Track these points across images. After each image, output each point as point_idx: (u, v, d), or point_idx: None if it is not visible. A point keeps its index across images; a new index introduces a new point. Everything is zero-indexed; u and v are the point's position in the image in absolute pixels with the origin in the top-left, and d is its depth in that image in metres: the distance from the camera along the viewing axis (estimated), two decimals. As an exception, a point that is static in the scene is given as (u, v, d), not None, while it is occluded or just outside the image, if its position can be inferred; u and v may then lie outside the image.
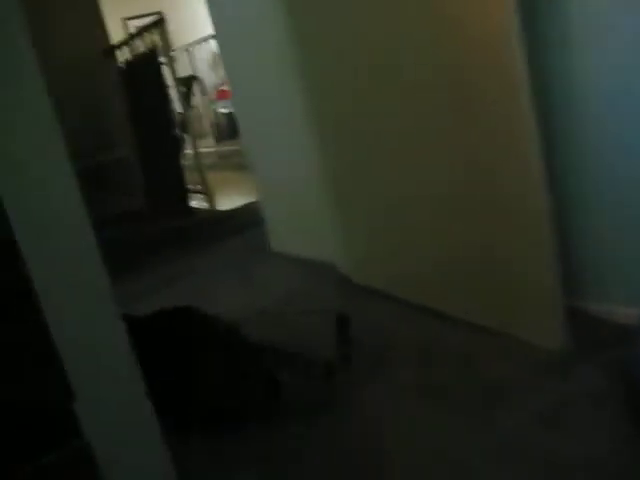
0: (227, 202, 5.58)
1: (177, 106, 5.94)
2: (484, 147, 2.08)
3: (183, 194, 5.54)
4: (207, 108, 9.06)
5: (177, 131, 5.73)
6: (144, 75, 5.49)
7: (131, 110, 6.02)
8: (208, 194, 5.64)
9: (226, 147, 8.14)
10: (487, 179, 2.12)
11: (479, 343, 2.24)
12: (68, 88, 6.02)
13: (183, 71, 7.86)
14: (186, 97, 5.76)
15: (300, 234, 3.55)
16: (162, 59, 5.36)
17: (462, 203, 2.25)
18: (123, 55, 6.04)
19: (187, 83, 6.00)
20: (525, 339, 2.14)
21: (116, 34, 6.56)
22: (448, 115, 2.16)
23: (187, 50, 7.99)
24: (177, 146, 5.66)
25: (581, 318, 2.16)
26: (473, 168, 2.15)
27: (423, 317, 2.52)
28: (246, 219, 4.48)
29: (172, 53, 5.57)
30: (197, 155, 5.78)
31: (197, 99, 8.88)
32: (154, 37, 5.32)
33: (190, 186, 5.78)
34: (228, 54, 3.85)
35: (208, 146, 8.61)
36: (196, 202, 5.75)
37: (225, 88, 7.49)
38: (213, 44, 6.71)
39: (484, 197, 2.15)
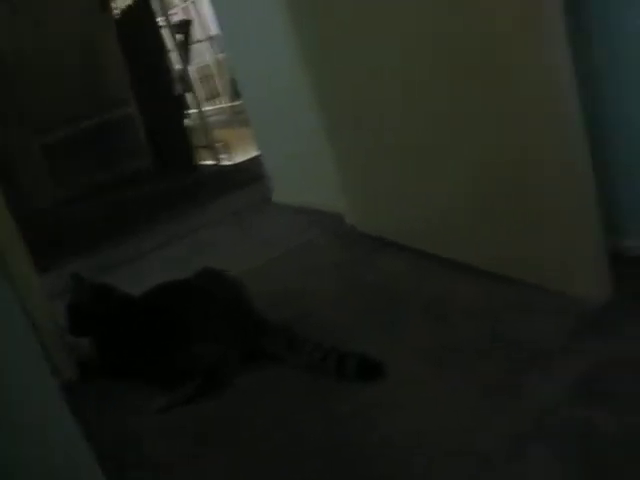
0: (239, 157, 5.40)
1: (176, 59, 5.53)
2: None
3: (188, 152, 5.27)
4: (221, 65, 8.68)
5: (178, 88, 5.39)
6: (137, 26, 5.15)
7: (129, 65, 5.71)
8: (213, 150, 5.37)
9: (239, 103, 7.83)
10: (507, 93, 1.70)
11: (503, 297, 1.84)
12: (67, 45, 5.75)
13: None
14: (183, 47, 5.35)
15: (303, 184, 3.30)
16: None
17: (478, 125, 1.83)
18: (118, 6, 5.71)
19: (182, 29, 5.57)
20: (559, 290, 1.74)
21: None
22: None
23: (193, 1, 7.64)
24: (178, 103, 5.34)
25: (620, 261, 1.76)
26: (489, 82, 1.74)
27: (437, 268, 2.14)
28: (250, 173, 4.33)
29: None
30: (202, 113, 5.48)
31: (208, 57, 8.54)
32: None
33: (197, 143, 5.53)
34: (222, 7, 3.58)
35: (221, 103, 8.40)
36: (204, 158, 5.55)
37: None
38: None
39: (503, 114, 1.73)
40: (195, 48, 8.36)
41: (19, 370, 1.22)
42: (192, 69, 7.82)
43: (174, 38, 5.21)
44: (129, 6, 5.35)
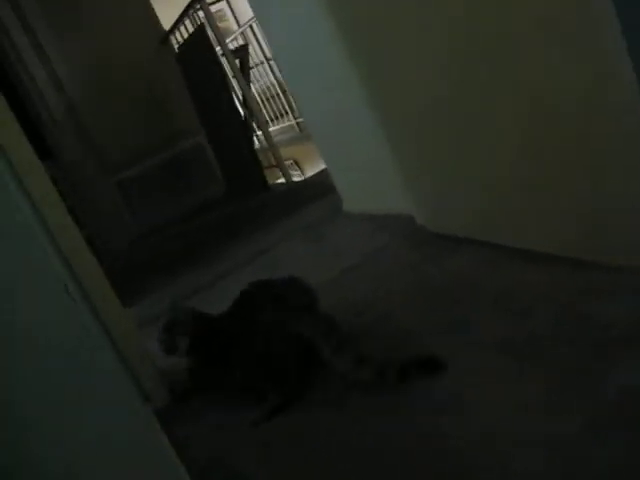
0: (309, 172, 5.48)
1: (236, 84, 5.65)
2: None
3: (258, 173, 5.37)
4: (283, 84, 8.81)
5: (242, 111, 5.50)
6: (197, 56, 5.30)
7: (193, 96, 5.88)
8: (282, 169, 5.45)
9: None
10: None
11: (577, 281, 1.78)
12: (132, 84, 5.98)
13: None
14: (242, 71, 5.46)
15: (371, 191, 3.28)
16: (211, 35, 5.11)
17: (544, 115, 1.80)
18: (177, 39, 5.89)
19: (240, 54, 5.69)
20: (636, 268, 1.66)
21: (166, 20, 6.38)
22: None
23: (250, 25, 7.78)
24: (244, 126, 5.45)
25: None
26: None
27: (506, 259, 2.09)
28: (320, 186, 4.34)
29: (223, 24, 5.29)
30: (268, 133, 5.58)
31: (270, 78, 8.68)
32: (199, 13, 5.09)
33: (267, 164, 5.64)
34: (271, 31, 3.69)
35: (288, 121, 8.53)
36: (275, 178, 5.65)
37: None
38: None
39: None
40: (257, 70, 8.51)
41: (110, 398, 1.28)
42: (256, 91, 7.97)
43: (232, 63, 5.32)
44: (187, 38, 5.51)
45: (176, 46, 6.03)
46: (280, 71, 7.68)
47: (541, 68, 1.71)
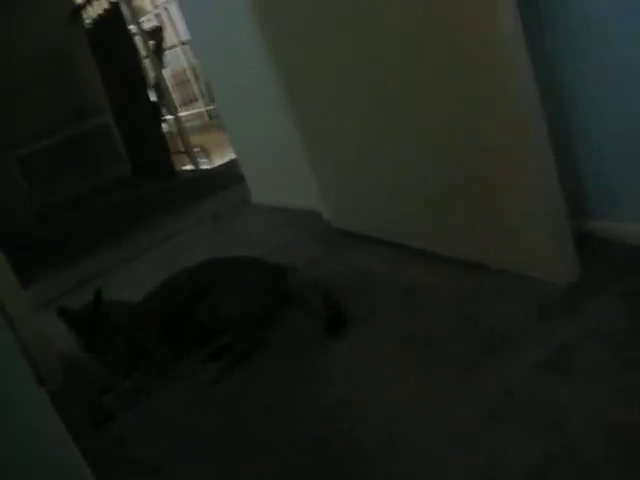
0: (217, 161, 5.44)
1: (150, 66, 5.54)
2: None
3: (166, 158, 5.29)
4: (196, 69, 8.67)
5: (153, 95, 5.41)
6: (110, 34, 5.16)
7: (103, 74, 5.72)
8: (191, 156, 5.39)
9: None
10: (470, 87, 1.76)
11: (474, 283, 1.91)
12: (38, 57, 5.75)
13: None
14: (156, 53, 5.36)
15: (279, 185, 3.34)
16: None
17: (444, 118, 1.89)
18: (89, 15, 5.70)
19: (154, 36, 5.58)
20: (526, 274, 1.81)
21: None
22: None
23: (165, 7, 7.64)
24: (154, 110, 5.35)
25: (587, 241, 1.83)
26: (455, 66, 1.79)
27: (409, 258, 2.20)
28: (229, 176, 4.38)
29: (137, 2, 5.18)
30: (178, 119, 5.50)
31: (182, 62, 8.54)
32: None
33: (175, 149, 5.56)
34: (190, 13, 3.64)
35: (198, 108, 8.42)
36: (182, 164, 5.58)
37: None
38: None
39: (468, 103, 1.79)
40: (169, 53, 8.35)
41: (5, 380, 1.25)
42: (167, 75, 7.83)
43: (147, 45, 5.22)
44: (100, 15, 5.35)
45: (87, 22, 5.84)
46: (194, 56, 7.61)
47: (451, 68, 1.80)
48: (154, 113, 5.28)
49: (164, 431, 1.78)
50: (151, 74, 5.56)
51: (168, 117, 5.99)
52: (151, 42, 5.33)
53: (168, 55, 8.22)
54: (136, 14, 5.24)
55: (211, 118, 8.11)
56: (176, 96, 8.64)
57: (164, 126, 5.80)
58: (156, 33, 5.79)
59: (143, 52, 5.44)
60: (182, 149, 5.54)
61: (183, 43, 8.13)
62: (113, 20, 5.03)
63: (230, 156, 4.85)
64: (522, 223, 1.79)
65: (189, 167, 5.56)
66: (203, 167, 5.42)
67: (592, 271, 1.74)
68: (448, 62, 1.76)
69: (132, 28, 5.20)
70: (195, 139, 5.95)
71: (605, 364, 1.41)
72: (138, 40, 5.31)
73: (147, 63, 5.61)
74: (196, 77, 8.61)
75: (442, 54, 1.76)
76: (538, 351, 1.52)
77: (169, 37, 8.06)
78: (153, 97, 5.42)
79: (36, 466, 1.20)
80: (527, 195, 1.74)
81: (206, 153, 5.92)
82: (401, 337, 1.78)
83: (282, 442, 1.54)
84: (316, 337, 1.93)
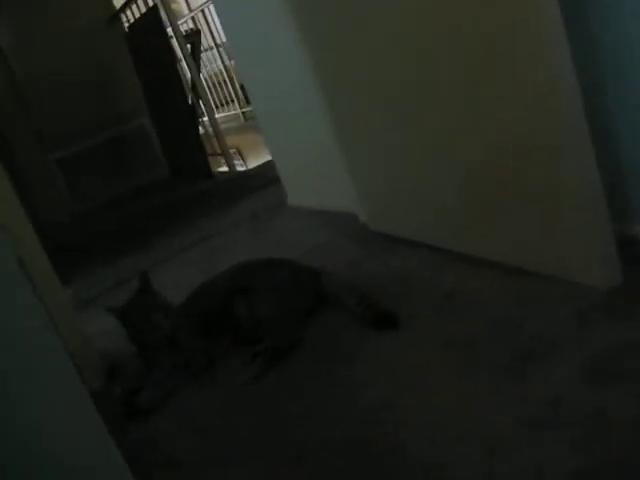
0: (253, 163, 5.47)
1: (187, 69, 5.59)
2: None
3: (203, 160, 5.33)
4: (232, 72, 8.73)
5: (190, 97, 5.45)
6: (148, 37, 5.22)
7: (141, 77, 5.79)
8: (227, 157, 5.43)
9: (251, 108, 7.90)
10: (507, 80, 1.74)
11: (514, 287, 1.88)
12: (76, 60, 5.84)
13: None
14: (193, 56, 5.41)
15: (316, 186, 3.33)
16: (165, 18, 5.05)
17: (481, 117, 1.87)
18: (127, 19, 5.78)
19: (191, 38, 5.64)
20: (566, 278, 1.77)
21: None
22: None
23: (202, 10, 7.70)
24: (191, 112, 5.40)
25: (631, 246, 1.78)
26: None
27: (449, 262, 2.18)
28: (265, 178, 4.38)
29: (174, 6, 5.22)
30: (214, 121, 5.55)
31: (219, 64, 8.60)
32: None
33: (211, 151, 5.61)
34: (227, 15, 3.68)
35: (234, 109, 8.48)
36: (218, 166, 5.62)
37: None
38: None
39: (505, 103, 1.77)
40: (206, 56, 8.42)
41: (48, 380, 1.27)
42: (203, 76, 7.89)
43: (184, 47, 5.27)
44: (138, 18, 5.42)
45: (126, 25, 5.93)
46: (229, 59, 7.67)
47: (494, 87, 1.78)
48: (191, 115, 5.33)
49: (199, 435, 1.78)
50: (188, 76, 5.61)
51: (204, 119, 6.05)
52: (188, 44, 5.38)
53: (204, 57, 8.29)
54: (174, 16, 5.29)
55: (246, 120, 8.17)
56: (212, 98, 8.71)
57: (200, 128, 5.85)
58: (193, 36, 5.85)
59: (180, 54, 5.50)
60: (218, 151, 5.59)
61: (219, 45, 8.18)
62: (151, 23, 5.08)
63: (265, 158, 4.88)
64: (562, 225, 1.76)
65: (224, 169, 5.61)
66: (238, 169, 5.46)
67: (634, 276, 1.70)
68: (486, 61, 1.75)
69: (169, 31, 5.25)
70: (230, 140, 6.00)
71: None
72: (175, 42, 5.36)
73: (184, 65, 5.67)
74: (231, 79, 8.67)
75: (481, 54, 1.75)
76: (582, 357, 1.49)
77: (205, 39, 8.13)
78: (190, 99, 5.47)
79: (80, 469, 1.21)
80: (567, 197, 1.71)
81: (241, 155, 5.96)
82: (442, 341, 1.76)
83: (317, 445, 1.53)
84: (354, 339, 1.92)
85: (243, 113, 8.29)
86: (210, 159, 5.50)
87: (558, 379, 1.45)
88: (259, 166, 5.11)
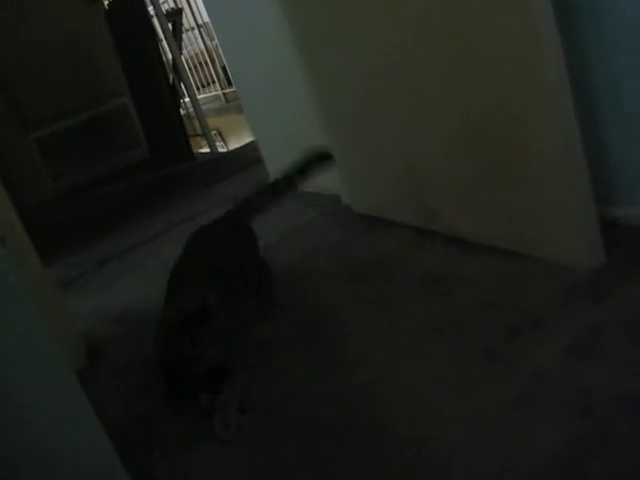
0: (234, 144, 5.44)
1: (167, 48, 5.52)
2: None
3: (184, 140, 5.29)
4: (213, 52, 8.65)
5: (171, 76, 5.40)
6: (128, 15, 5.14)
7: (121, 56, 5.72)
8: (208, 138, 5.40)
9: (232, 89, 7.85)
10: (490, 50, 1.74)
11: (499, 269, 1.90)
12: (55, 39, 5.75)
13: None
14: (174, 35, 5.35)
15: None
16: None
17: (461, 92, 1.88)
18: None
19: (173, 18, 5.57)
20: (550, 259, 1.80)
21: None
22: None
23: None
24: (172, 91, 5.35)
25: (613, 228, 1.81)
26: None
27: (430, 243, 2.20)
28: (246, 159, 4.37)
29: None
30: (195, 102, 5.50)
31: (200, 45, 8.52)
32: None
33: (192, 132, 5.57)
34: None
35: (215, 90, 8.42)
36: (199, 146, 5.58)
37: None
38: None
39: (486, 76, 1.78)
40: (187, 36, 8.34)
41: (33, 357, 1.26)
42: (184, 57, 7.82)
43: (165, 27, 5.21)
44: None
45: (106, 2, 5.84)
46: (211, 39, 7.59)
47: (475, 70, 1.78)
48: (172, 95, 5.28)
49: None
50: (169, 56, 5.55)
51: (185, 99, 6.00)
52: (169, 24, 5.32)
53: (185, 38, 8.20)
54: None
55: (227, 101, 8.11)
56: (193, 79, 8.64)
57: (182, 108, 5.80)
58: (175, 15, 5.78)
59: (161, 34, 5.44)
60: (199, 132, 5.55)
61: (200, 26, 8.11)
62: (132, 1, 5.01)
63: (246, 140, 4.85)
64: (546, 208, 1.78)
65: (205, 150, 5.58)
66: (220, 150, 5.43)
67: (617, 257, 1.72)
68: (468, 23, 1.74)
69: (150, 9, 5.19)
70: (211, 122, 5.95)
71: (632, 348, 1.41)
72: (156, 21, 5.30)
73: (165, 45, 5.60)
74: (212, 60, 8.60)
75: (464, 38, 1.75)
76: (565, 336, 1.51)
77: (187, 19, 8.05)
78: (171, 79, 5.42)
79: (65, 449, 1.21)
80: (551, 179, 1.73)
81: (221, 136, 5.92)
82: (426, 322, 1.78)
83: (307, 424, 1.54)
84: (338, 322, 1.93)
85: (224, 94, 8.24)
86: (191, 140, 5.46)
87: (540, 357, 1.48)
88: (240, 147, 5.08)
